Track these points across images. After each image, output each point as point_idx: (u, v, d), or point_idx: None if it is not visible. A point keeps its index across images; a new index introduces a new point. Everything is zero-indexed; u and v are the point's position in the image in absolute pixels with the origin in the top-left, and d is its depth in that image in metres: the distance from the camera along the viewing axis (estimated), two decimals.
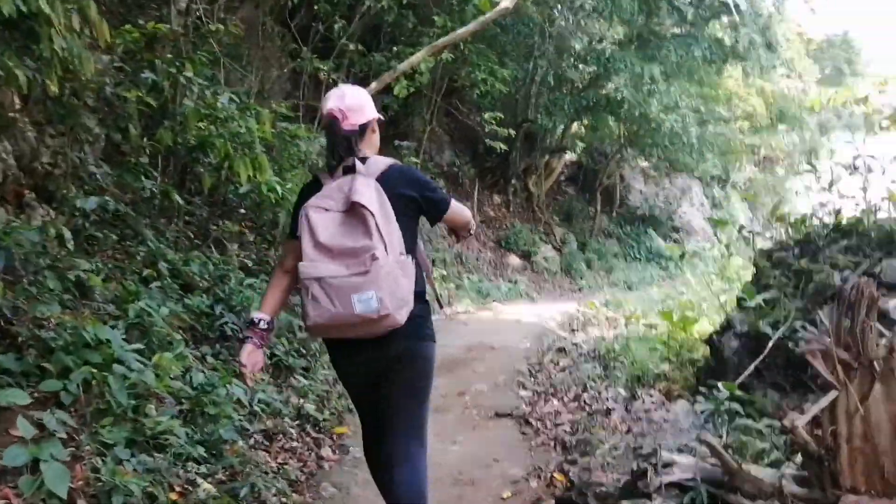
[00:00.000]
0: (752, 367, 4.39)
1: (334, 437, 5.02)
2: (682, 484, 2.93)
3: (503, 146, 14.01)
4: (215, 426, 4.06)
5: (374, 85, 9.54)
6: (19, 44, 3.72)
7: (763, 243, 6.00)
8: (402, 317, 2.64)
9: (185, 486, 3.50)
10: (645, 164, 21.66)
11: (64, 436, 3.19)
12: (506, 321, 9.68)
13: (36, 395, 3.37)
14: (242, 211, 6.80)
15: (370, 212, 2.62)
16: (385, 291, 2.57)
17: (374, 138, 2.99)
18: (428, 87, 12.52)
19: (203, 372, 4.68)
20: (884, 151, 5.62)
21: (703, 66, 16.79)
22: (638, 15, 14.97)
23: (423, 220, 3.01)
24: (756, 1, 16.28)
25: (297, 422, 5.05)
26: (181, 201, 5.54)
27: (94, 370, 3.50)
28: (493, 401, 5.90)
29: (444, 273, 11.42)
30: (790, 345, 4.48)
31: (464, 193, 15.52)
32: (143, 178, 5.37)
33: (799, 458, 3.08)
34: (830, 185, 5.17)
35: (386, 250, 2.61)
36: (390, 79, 9.97)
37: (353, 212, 2.65)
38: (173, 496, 3.36)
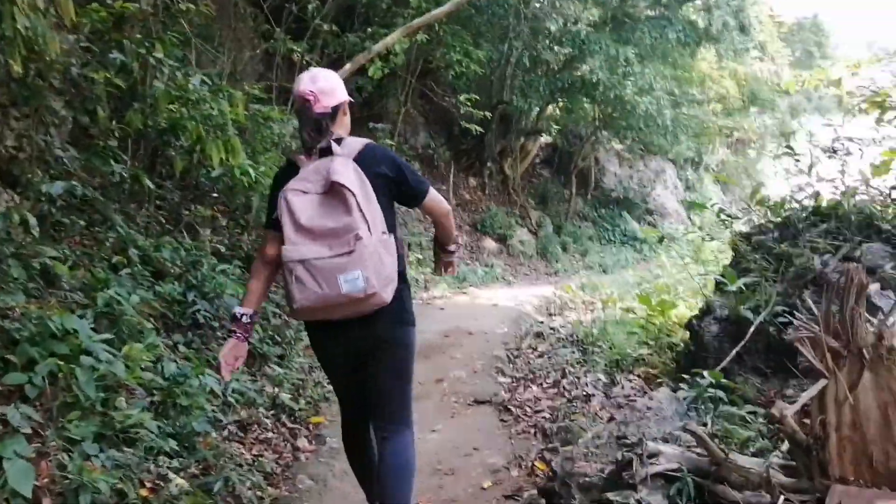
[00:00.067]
0: (733, 353, 4.35)
1: (310, 427, 4.94)
2: (668, 474, 2.88)
3: (478, 128, 13.90)
4: (188, 418, 3.95)
5: (348, 66, 9.38)
6: None
7: (741, 226, 5.95)
8: (388, 295, 2.71)
9: (157, 482, 3.41)
10: (619, 146, 21.65)
11: (29, 431, 3.06)
12: (483, 306, 9.61)
13: None
14: (215, 195, 6.65)
15: (351, 191, 2.65)
16: (371, 270, 2.62)
17: (345, 120, 3.02)
18: (402, 68, 12.37)
19: (175, 361, 4.57)
20: (860, 134, 5.61)
21: (676, 48, 16.79)
22: None
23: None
24: None
25: (272, 412, 4.96)
26: (152, 185, 5.39)
27: (61, 362, 3.37)
28: (471, 387, 5.84)
29: (420, 257, 11.32)
30: (771, 329, 4.46)
31: (439, 176, 15.40)
32: (111, 161, 5.20)
33: (785, 445, 3.04)
34: (810, 168, 5.14)
35: (369, 229, 2.65)
36: (364, 60, 9.81)
37: (333, 192, 2.68)
38: (144, 492, 3.26)
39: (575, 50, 14.77)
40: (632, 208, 21.44)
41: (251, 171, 5.92)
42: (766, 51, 22.21)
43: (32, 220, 4.10)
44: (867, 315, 2.66)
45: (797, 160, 5.27)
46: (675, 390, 4.04)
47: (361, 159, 2.81)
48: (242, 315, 2.96)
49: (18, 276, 3.94)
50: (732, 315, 4.79)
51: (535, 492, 3.81)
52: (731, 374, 4.53)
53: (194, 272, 5.42)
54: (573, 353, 6.75)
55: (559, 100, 17.02)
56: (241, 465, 4.06)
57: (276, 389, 5.19)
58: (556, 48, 15.13)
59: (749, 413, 3.75)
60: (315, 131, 2.84)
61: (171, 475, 3.52)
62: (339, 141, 2.86)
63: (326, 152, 2.81)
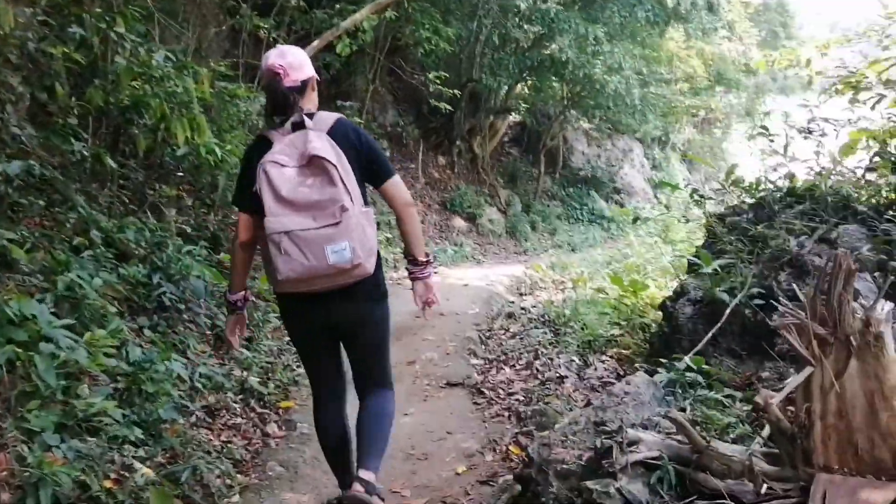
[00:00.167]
0: (709, 336, 4.32)
1: (280, 412, 4.84)
2: (648, 462, 2.83)
3: (448, 107, 13.77)
4: (154, 405, 3.83)
5: (315, 43, 9.19)
6: None
7: (714, 207, 5.92)
8: (371, 265, 2.80)
9: (121, 473, 3.29)
10: (588, 125, 21.64)
11: None
12: (453, 286, 9.52)
13: None
14: (180, 174, 6.48)
15: (332, 164, 2.71)
16: (356, 241, 2.70)
17: (313, 96, 3.03)
18: (371, 45, 12.19)
19: (140, 346, 4.45)
20: (834, 115, 5.60)
21: (645, 27, 16.76)
22: None
23: None
24: None
25: (240, 396, 4.85)
26: (114, 165, 5.21)
27: (19, 349, 3.24)
28: (443, 370, 5.77)
29: (389, 236, 11.19)
30: (747, 311, 4.44)
31: (408, 154, 15.25)
32: (72, 140, 5.02)
33: (766, 431, 3.01)
34: (785, 148, 5.11)
35: (352, 201, 2.72)
36: (332, 37, 9.62)
37: (313, 166, 2.73)
38: (108, 484, 3.15)
39: (544, 28, 14.63)
40: (599, 187, 21.47)
41: (217, 149, 5.76)
42: (734, 30, 22.28)
43: None
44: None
45: (771, 140, 5.24)
46: (651, 374, 3.99)
47: (334, 133, 2.84)
48: (237, 301, 3.16)
49: None
50: (707, 297, 4.76)
51: (510, 477, 3.75)
52: (706, 357, 4.49)
53: (159, 253, 5.27)
54: (545, 333, 6.71)
55: (528, 78, 16.94)
56: (209, 453, 3.95)
57: (245, 373, 5.08)
58: (525, 26, 14.97)
59: (726, 397, 3.72)
60: (284, 104, 2.86)
61: (137, 465, 3.41)
62: (310, 115, 2.88)
63: (299, 126, 2.83)
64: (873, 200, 4.92)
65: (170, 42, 6.91)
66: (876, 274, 4.01)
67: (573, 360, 5.78)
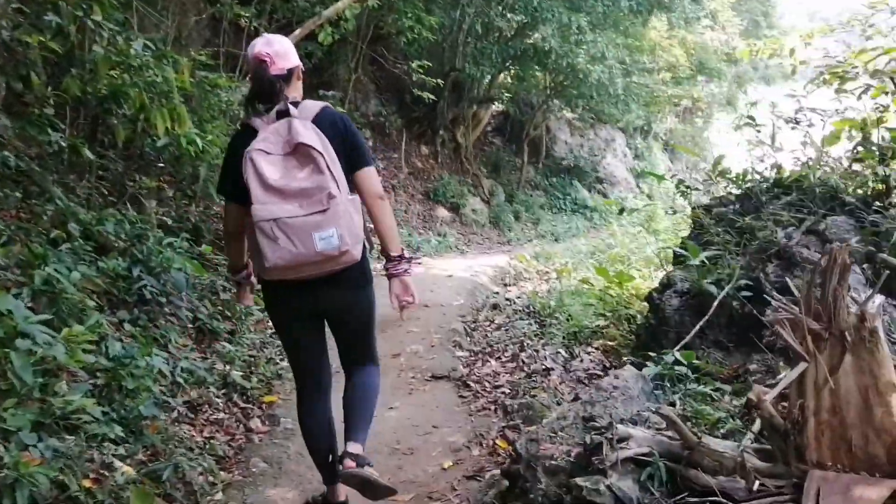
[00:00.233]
0: (697, 328, 4.30)
1: (263, 406, 4.78)
2: (639, 459, 2.79)
3: (431, 96, 13.67)
4: (134, 402, 3.75)
5: (297, 32, 9.06)
6: None
7: (700, 197, 5.89)
8: (357, 252, 2.82)
9: (101, 472, 3.21)
10: (570, 115, 21.58)
11: None
12: (437, 276, 9.47)
13: None
14: (161, 165, 6.36)
15: (318, 151, 2.72)
16: (344, 228, 2.71)
17: (299, 85, 3.06)
18: (353, 34, 12.08)
19: (121, 340, 4.36)
20: (820, 105, 5.57)
21: (628, 16, 16.70)
22: None
23: None
24: None
25: (223, 391, 4.78)
26: (91, 156, 5.09)
27: None
28: (429, 362, 5.72)
29: (372, 227, 11.11)
30: (734, 303, 4.41)
31: (391, 144, 15.14)
32: (48, 130, 4.90)
33: (756, 426, 2.98)
34: (773, 138, 5.08)
35: (338, 188, 2.74)
36: (314, 25, 9.50)
37: (299, 154, 2.74)
38: (87, 483, 3.07)
39: (527, 17, 14.54)
40: (582, 177, 21.44)
41: (198, 140, 5.66)
42: (717, 19, 22.30)
43: None
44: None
45: (758, 131, 5.21)
46: (639, 367, 3.96)
47: (319, 121, 2.85)
48: (240, 278, 3.30)
49: None
50: (694, 289, 4.74)
51: (497, 472, 3.71)
52: (693, 349, 4.48)
53: (140, 246, 5.17)
54: (530, 325, 6.68)
55: (511, 68, 16.85)
56: (191, 449, 3.89)
57: (227, 367, 5.01)
58: (508, 15, 14.88)
59: (714, 390, 3.69)
60: (270, 92, 2.87)
61: (117, 463, 3.32)
62: (295, 104, 2.90)
63: (283, 115, 2.84)
64: (860, 191, 4.91)
65: (149, 31, 6.78)
66: (864, 266, 3.99)
67: (559, 352, 5.75)
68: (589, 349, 5.82)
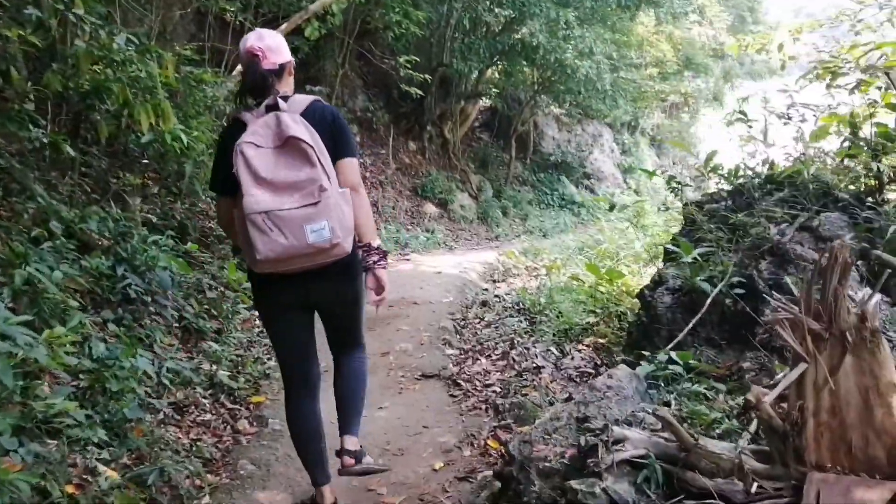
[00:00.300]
0: (690, 326, 4.25)
1: (251, 407, 4.69)
2: (635, 461, 2.74)
3: (418, 91, 13.59)
4: (118, 404, 3.67)
5: (284, 26, 8.95)
6: None
7: (691, 193, 5.84)
8: (348, 245, 2.82)
9: (84, 477, 3.14)
10: (558, 110, 21.54)
11: None
12: (426, 273, 9.40)
13: None
14: (145, 161, 6.25)
15: (308, 144, 2.73)
16: (335, 221, 2.72)
17: (290, 80, 3.08)
18: (340, 29, 11.96)
19: (105, 340, 4.28)
20: (810, 100, 5.54)
21: (616, 11, 16.67)
22: None
23: None
24: None
25: (209, 392, 4.70)
26: (73, 152, 4.98)
27: None
28: (418, 361, 5.65)
29: None
30: (727, 301, 4.37)
31: (378, 140, 15.04)
32: (29, 126, 4.79)
33: (753, 426, 2.94)
34: (765, 134, 5.04)
35: (329, 181, 2.75)
36: (301, 20, 9.38)
37: (289, 147, 2.74)
38: (70, 489, 2.99)
39: (515, 12, 14.47)
40: (570, 172, 21.43)
41: (183, 136, 5.56)
42: (704, 14, 22.32)
43: None
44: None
45: (750, 126, 5.17)
46: (632, 366, 3.91)
47: (308, 115, 2.87)
48: None
49: None
50: (686, 286, 4.69)
51: (489, 473, 3.66)
52: (685, 346, 4.45)
53: (124, 244, 5.08)
54: (520, 322, 6.63)
55: (499, 63, 16.78)
56: (177, 452, 3.81)
57: (214, 367, 4.93)
58: (496, 10, 14.81)
59: (708, 389, 3.65)
60: (261, 86, 2.90)
61: (101, 468, 3.25)
62: (285, 98, 2.91)
63: (273, 109, 2.84)
64: (852, 187, 4.88)
65: (133, 25, 6.67)
66: (859, 262, 3.96)
67: (550, 350, 5.70)
68: (580, 347, 5.77)
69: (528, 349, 5.73)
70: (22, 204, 4.63)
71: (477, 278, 9.46)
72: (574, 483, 2.75)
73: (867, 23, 7.61)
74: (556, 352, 5.67)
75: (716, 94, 28.54)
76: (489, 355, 5.79)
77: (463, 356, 5.83)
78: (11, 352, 3.18)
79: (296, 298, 3.02)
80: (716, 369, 4.14)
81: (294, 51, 10.83)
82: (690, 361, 3.85)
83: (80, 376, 3.72)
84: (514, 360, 5.55)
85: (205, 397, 4.59)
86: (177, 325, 5.22)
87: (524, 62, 16.14)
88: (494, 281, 9.59)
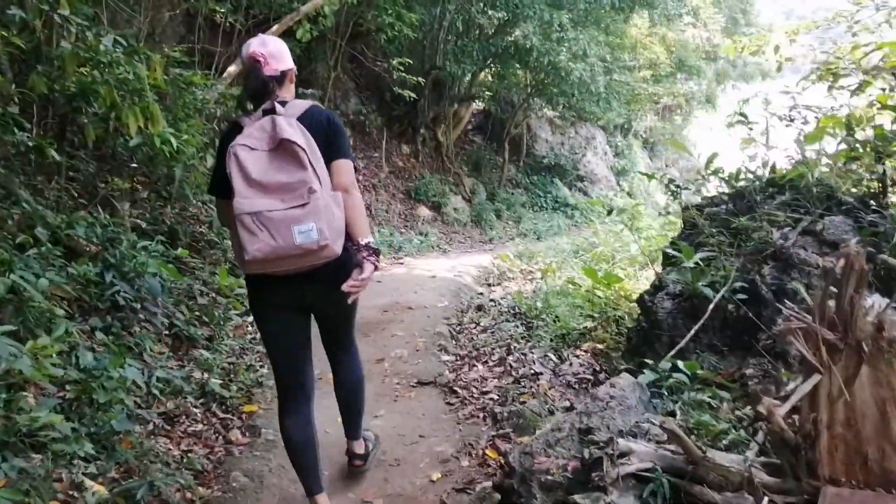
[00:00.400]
0: (692, 332, 4.17)
1: (243, 416, 4.57)
2: (640, 474, 2.65)
3: (411, 94, 13.49)
4: (106, 415, 3.56)
5: (275, 28, 8.86)
6: None
7: (691, 196, 5.75)
8: (338, 247, 2.83)
9: (70, 493, 3.04)
10: (551, 113, 21.49)
11: None
12: (420, 277, 9.30)
13: None
14: (134, 166, 6.12)
15: (301, 147, 2.74)
16: (324, 222, 2.72)
17: (291, 88, 3.12)
18: (332, 31, 11.88)
19: (93, 349, 4.17)
20: (810, 102, 5.47)
21: (610, 13, 16.62)
22: None
23: None
24: None
25: (201, 401, 4.58)
26: (58, 156, 4.86)
27: None
28: (414, 367, 5.55)
29: None
30: (729, 306, 4.29)
31: (371, 143, 14.95)
32: (14, 130, 4.67)
33: (760, 436, 2.85)
34: (767, 137, 4.96)
35: (320, 183, 2.76)
36: (292, 21, 9.29)
37: (282, 149, 2.76)
38: None
39: (508, 14, 14.40)
40: (563, 175, 21.39)
41: (173, 139, 5.44)
42: (699, 16, 22.31)
43: None
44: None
45: (750, 129, 5.09)
46: (633, 373, 3.82)
47: (304, 119, 2.89)
48: None
49: None
50: (687, 291, 4.61)
51: (488, 484, 3.56)
52: (686, 352, 4.36)
53: (112, 250, 4.96)
54: (517, 327, 6.52)
55: (492, 66, 16.70)
56: (167, 464, 3.70)
57: (206, 375, 4.81)
58: (489, 12, 14.73)
59: (712, 397, 3.57)
60: (262, 92, 2.93)
61: (88, 482, 3.15)
62: (283, 103, 2.93)
63: (270, 113, 2.87)
64: (854, 190, 4.81)
65: (121, 27, 6.55)
66: None
67: (547, 356, 5.60)
68: (578, 352, 5.68)
69: (525, 355, 5.63)
70: (7, 209, 4.51)
71: (472, 282, 9.36)
72: (578, 497, 2.67)
73: (865, 24, 7.55)
74: (553, 358, 5.57)
75: (708, 96, 28.53)
76: (486, 361, 5.69)
77: (459, 362, 5.73)
78: None
79: (290, 300, 3.03)
80: (716, 377, 4.06)
81: None
82: (699, 372, 3.74)
83: (67, 387, 3.61)
84: (511, 366, 5.45)
85: (196, 407, 4.48)
86: (167, 332, 5.11)
87: (517, 65, 16.07)
88: (489, 285, 9.49)
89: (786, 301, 2.61)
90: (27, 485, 2.84)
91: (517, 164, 20.50)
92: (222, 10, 9.05)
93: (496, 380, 5.26)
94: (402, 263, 10.91)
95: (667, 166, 30.21)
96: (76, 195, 5.43)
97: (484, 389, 5.08)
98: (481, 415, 4.63)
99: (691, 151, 5.22)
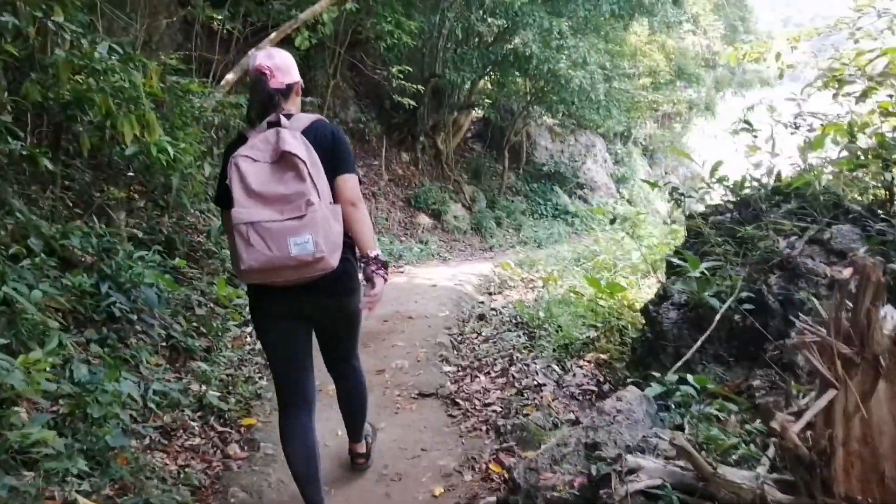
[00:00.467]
0: (699, 343, 4.10)
1: (242, 430, 4.49)
2: (649, 491, 2.58)
3: (411, 102, 13.43)
4: (100, 431, 3.48)
5: (273, 35, 8.80)
6: None
7: (695, 205, 5.68)
8: (334, 260, 2.83)
9: None
10: (551, 121, 21.45)
11: None
12: (421, 286, 9.22)
13: None
14: (131, 174, 6.05)
15: (302, 160, 2.76)
16: (320, 235, 2.73)
17: (297, 101, 3.15)
18: (331, 38, 11.82)
19: (88, 362, 4.10)
20: (815, 109, 5.41)
21: (609, 20, 16.59)
22: None
23: None
24: None
25: (198, 414, 4.51)
26: (50, 165, 4.78)
27: None
28: (415, 379, 5.47)
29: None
30: (736, 317, 4.22)
31: (371, 151, 14.89)
32: (8, 138, 4.60)
33: (771, 450, 2.78)
34: (773, 145, 4.90)
35: (319, 196, 2.77)
36: (290, 29, 9.21)
37: (284, 162, 2.77)
38: None
39: (508, 22, 14.35)
40: (563, 182, 21.35)
41: (170, 148, 5.37)
42: (698, 24, 22.30)
43: None
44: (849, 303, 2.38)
45: (755, 136, 5.03)
46: (639, 385, 3.75)
47: (309, 133, 2.90)
48: None
49: None
50: (692, 301, 4.54)
51: (492, 500, 3.50)
52: (692, 363, 4.29)
53: (108, 260, 4.90)
54: (519, 337, 6.45)
55: (492, 73, 16.66)
56: (164, 480, 3.62)
57: (203, 388, 4.74)
58: (489, 19, 14.67)
59: (719, 410, 3.49)
60: (267, 105, 2.94)
61: (81, 500, 3.06)
62: (288, 116, 2.95)
63: (275, 125, 2.89)
64: (859, 197, 4.74)
65: (118, 34, 6.50)
66: None
67: (550, 366, 5.53)
68: (581, 362, 5.61)
69: (528, 365, 5.55)
70: (0, 220, 4.44)
71: (473, 291, 9.28)
72: None
73: (867, 30, 7.50)
74: (557, 368, 5.50)
75: (707, 103, 28.51)
76: (488, 372, 5.61)
77: (461, 373, 5.65)
78: None
79: (289, 309, 3.04)
80: (725, 388, 3.99)
81: None
82: (709, 386, 3.65)
83: (60, 401, 3.54)
84: (513, 377, 5.37)
85: (193, 420, 4.41)
86: (164, 344, 5.03)
87: (517, 72, 16.02)
88: (490, 293, 9.41)
89: (799, 314, 2.54)
90: (19, 503, 2.77)
91: (517, 171, 20.47)
92: (220, 18, 9.00)
93: (499, 391, 5.18)
94: (402, 272, 10.84)
95: (666, 174, 30.19)
96: (71, 205, 5.36)
97: (486, 401, 5.00)
98: (484, 427, 4.56)
99: (695, 159, 5.13)
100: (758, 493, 2.42)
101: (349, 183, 2.97)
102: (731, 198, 5.03)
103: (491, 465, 3.97)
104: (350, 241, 3.05)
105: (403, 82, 12.64)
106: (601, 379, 5.19)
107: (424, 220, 15.01)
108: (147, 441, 3.97)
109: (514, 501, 3.05)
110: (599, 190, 22.85)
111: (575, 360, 5.70)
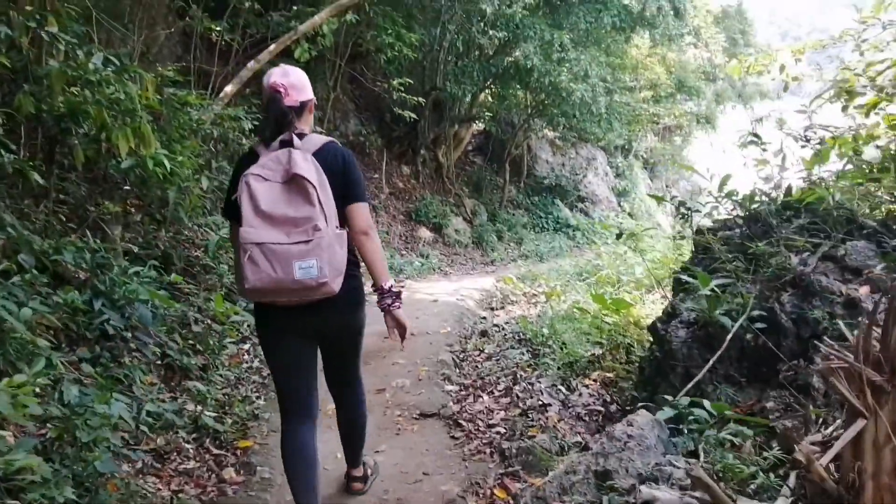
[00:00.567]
0: (710, 364, 3.96)
1: (238, 452, 4.35)
2: None
3: (412, 115, 13.35)
4: (90, 455, 3.34)
5: (272, 47, 8.72)
6: None
7: (702, 219, 5.54)
8: (336, 285, 2.84)
9: None
10: (552, 134, 21.39)
11: None
12: (422, 301, 9.09)
13: None
14: (126, 188, 5.92)
15: (312, 184, 2.77)
16: (325, 261, 2.76)
17: (310, 118, 3.16)
18: (331, 51, 11.75)
19: (79, 381, 3.96)
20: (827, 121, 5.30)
21: (611, 33, 16.55)
22: None
23: None
24: None
25: (193, 435, 4.38)
26: (41, 180, 4.66)
27: None
28: (416, 398, 5.33)
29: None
30: (747, 336, 4.09)
31: (371, 164, 14.80)
32: (1, 152, 4.49)
33: (792, 480, 2.64)
34: (783, 159, 4.79)
35: (326, 221, 2.79)
36: (290, 41, 9.12)
37: (294, 183, 2.79)
38: None
39: (509, 34, 14.29)
40: (564, 195, 21.28)
41: (166, 161, 5.25)
42: (700, 36, 22.27)
43: None
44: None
45: (764, 149, 4.91)
46: (649, 408, 3.62)
47: (320, 155, 2.91)
48: None
49: None
50: (702, 319, 4.41)
51: None
52: (703, 384, 4.16)
53: (102, 276, 4.77)
54: (522, 354, 6.31)
55: (492, 86, 16.60)
56: None
57: (199, 408, 4.61)
58: (490, 32, 14.61)
59: (733, 435, 3.35)
60: (281, 122, 2.93)
61: None
62: (301, 136, 2.95)
63: (287, 145, 2.89)
64: (871, 212, 4.62)
65: (115, 45, 6.39)
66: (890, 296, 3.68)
67: (555, 385, 5.39)
68: (587, 381, 5.48)
69: (532, 384, 5.42)
70: None
71: (475, 306, 9.15)
72: None
73: (872, 42, 7.41)
74: (562, 388, 5.36)
75: (708, 116, 28.48)
76: (491, 391, 5.47)
77: (463, 392, 5.50)
78: None
79: (292, 326, 3.04)
80: (737, 410, 3.85)
81: None
82: (727, 413, 3.50)
83: (49, 424, 3.40)
84: (517, 396, 5.24)
85: (188, 442, 4.28)
86: (159, 362, 4.90)
87: (518, 85, 15.97)
88: (493, 309, 9.27)
89: (814, 334, 2.41)
90: None
91: (518, 184, 20.39)
92: (219, 29, 8.91)
93: (503, 411, 5.04)
94: (402, 287, 10.70)
95: (667, 187, 30.14)
96: (65, 219, 5.23)
97: (490, 422, 4.86)
98: (488, 450, 4.41)
99: (701, 173, 5.02)
100: None
101: (361, 211, 2.99)
102: (741, 212, 4.91)
103: (496, 491, 3.83)
104: (355, 259, 3.07)
105: (404, 95, 12.57)
106: (608, 399, 5.06)
107: (425, 233, 14.90)
108: (139, 465, 3.84)
109: None
110: (601, 203, 22.78)
111: (580, 379, 5.57)
